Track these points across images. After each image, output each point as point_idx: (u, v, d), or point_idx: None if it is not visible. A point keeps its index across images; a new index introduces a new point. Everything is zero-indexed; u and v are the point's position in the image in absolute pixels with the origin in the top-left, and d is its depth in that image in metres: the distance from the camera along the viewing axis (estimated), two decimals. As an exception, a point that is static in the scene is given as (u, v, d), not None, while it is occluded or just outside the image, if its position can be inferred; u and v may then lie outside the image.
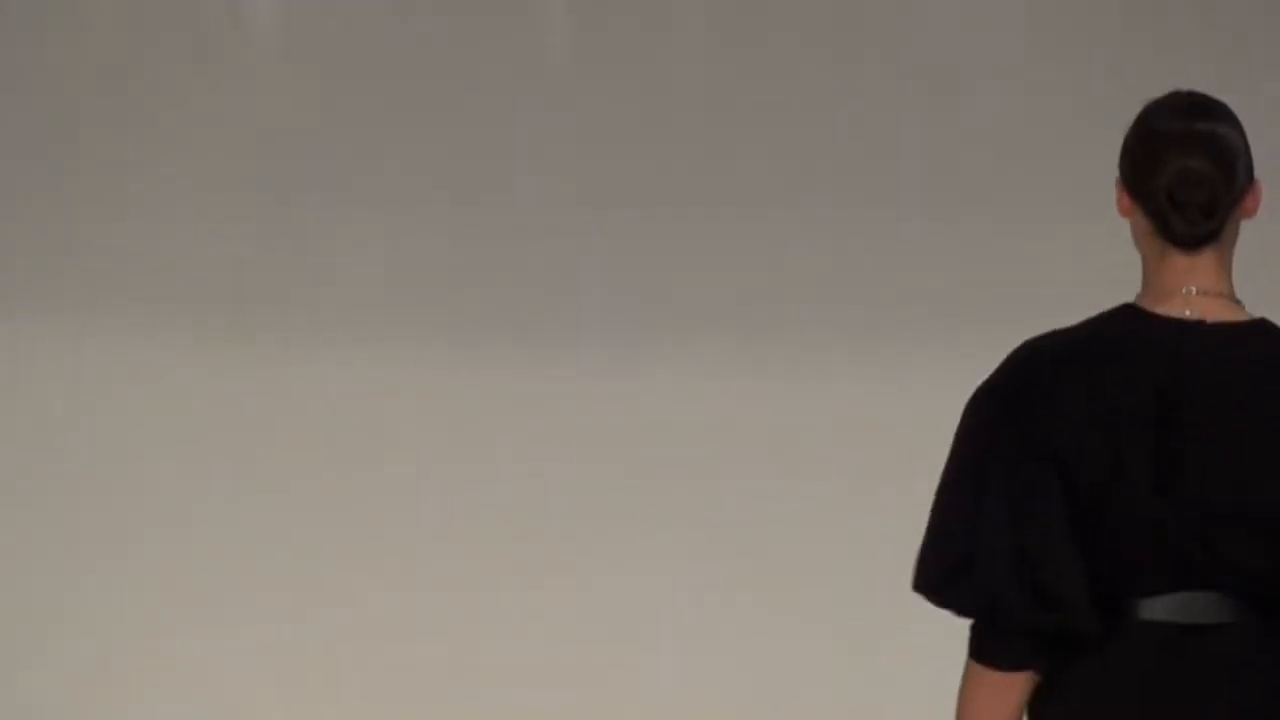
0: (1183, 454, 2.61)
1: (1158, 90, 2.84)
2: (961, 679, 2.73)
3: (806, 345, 6.80)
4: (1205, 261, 2.68)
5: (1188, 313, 2.66)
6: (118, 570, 7.87)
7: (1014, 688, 2.68)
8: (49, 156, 7.71)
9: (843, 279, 6.64)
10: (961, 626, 2.78)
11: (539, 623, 7.55)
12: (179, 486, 7.80)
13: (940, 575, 2.71)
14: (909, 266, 6.53)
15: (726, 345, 7.01)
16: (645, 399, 7.45)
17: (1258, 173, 2.81)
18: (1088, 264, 3.04)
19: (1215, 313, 2.67)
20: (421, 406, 8.34)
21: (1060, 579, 2.61)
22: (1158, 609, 2.61)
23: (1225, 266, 2.71)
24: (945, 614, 2.76)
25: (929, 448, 2.90)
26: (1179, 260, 2.68)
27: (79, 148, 7.65)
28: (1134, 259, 2.80)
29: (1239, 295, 2.77)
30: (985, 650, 2.68)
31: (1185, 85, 2.85)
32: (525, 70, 7.31)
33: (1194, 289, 2.68)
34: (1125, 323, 2.69)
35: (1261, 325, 2.69)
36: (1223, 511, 2.60)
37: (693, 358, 7.06)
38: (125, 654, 7.83)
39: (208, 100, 7.78)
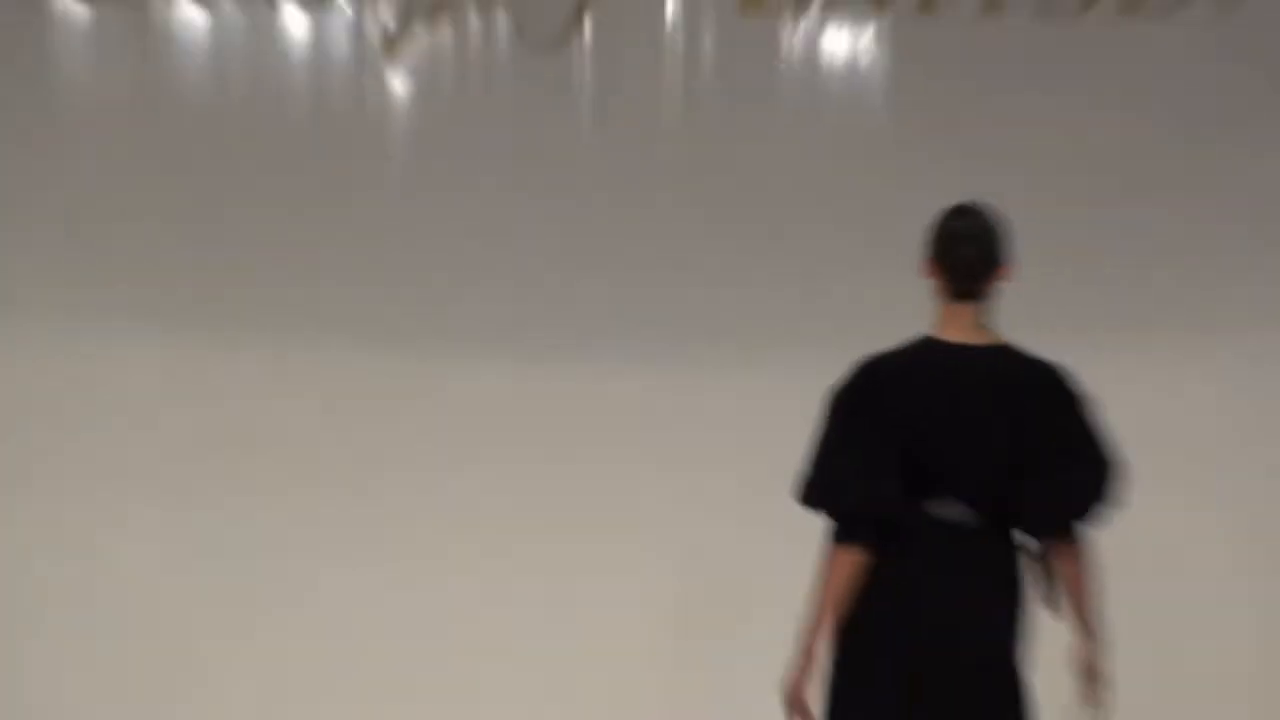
0: (957, 421, 4.60)
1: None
2: (822, 560, 4.66)
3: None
4: (971, 309, 4.65)
5: (962, 339, 4.65)
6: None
7: (855, 558, 4.59)
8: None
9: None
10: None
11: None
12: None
13: (816, 491, 4.65)
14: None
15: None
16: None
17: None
18: (902, 307, 4.97)
19: (977, 339, 4.66)
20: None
21: (888, 489, 4.58)
22: (938, 510, 4.60)
23: (986, 312, 4.66)
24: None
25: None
26: (957, 308, 4.66)
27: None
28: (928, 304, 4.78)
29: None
30: (841, 535, 4.62)
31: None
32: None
33: (966, 325, 4.66)
34: (926, 345, 4.69)
35: (1004, 346, 4.67)
36: (975, 457, 4.60)
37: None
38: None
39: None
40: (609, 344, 7.85)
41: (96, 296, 8.03)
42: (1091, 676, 4.75)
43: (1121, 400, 5.04)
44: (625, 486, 7.69)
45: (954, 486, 4.59)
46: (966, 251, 4.62)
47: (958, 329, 4.65)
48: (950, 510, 4.60)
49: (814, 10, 7.88)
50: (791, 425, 4.95)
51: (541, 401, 7.86)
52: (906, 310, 4.83)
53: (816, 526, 4.70)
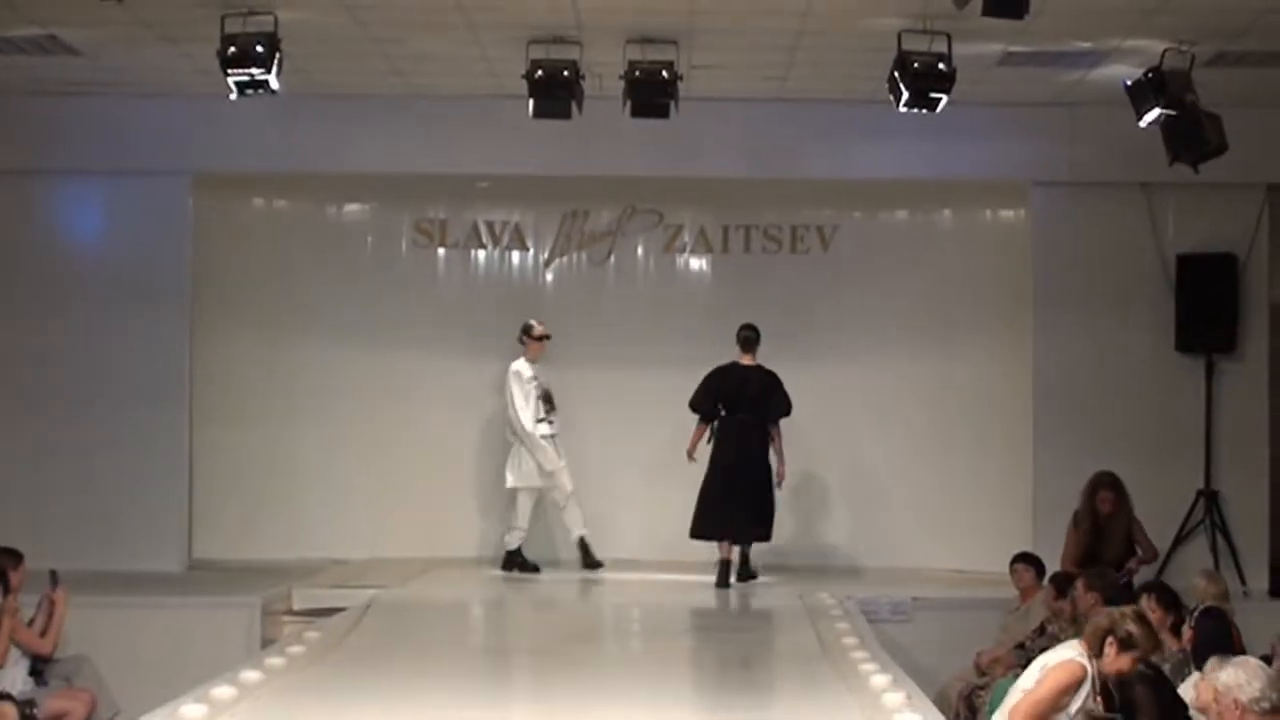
0: (744, 393, 15.85)
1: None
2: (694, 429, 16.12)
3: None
4: (749, 356, 15.96)
5: (743, 361, 15.85)
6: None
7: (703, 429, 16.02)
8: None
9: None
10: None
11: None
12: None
13: (698, 405, 16.07)
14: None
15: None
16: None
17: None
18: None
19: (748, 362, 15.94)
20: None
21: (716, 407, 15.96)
22: (737, 414, 15.96)
23: (754, 354, 16.08)
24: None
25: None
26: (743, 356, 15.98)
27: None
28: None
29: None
30: (700, 418, 16.07)
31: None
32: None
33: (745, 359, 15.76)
34: (731, 364, 15.93)
35: (761, 367, 16.07)
36: (751, 401, 15.85)
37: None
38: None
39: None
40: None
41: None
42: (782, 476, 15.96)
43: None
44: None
45: (743, 407, 15.88)
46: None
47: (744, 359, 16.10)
48: (744, 414, 15.90)
49: None
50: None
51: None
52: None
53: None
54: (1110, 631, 9.29)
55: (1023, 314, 16.58)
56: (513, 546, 16.54)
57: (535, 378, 16.51)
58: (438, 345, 17.41)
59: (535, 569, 16.45)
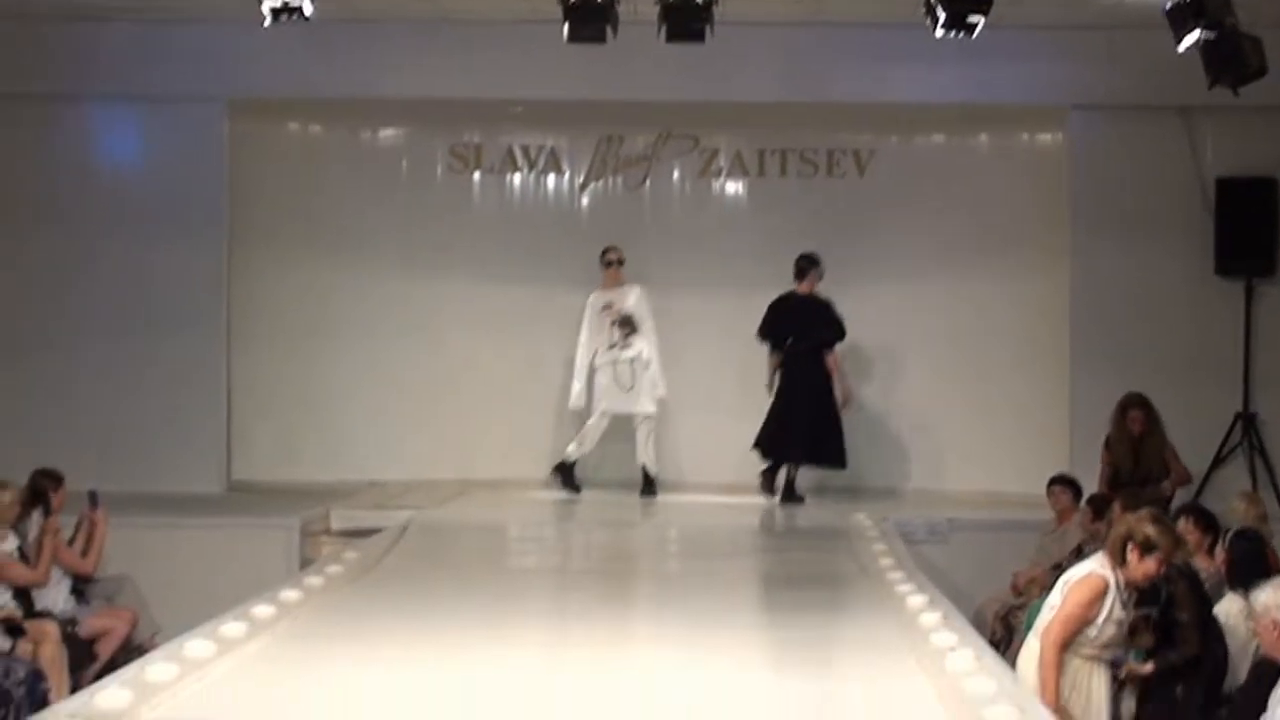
0: (797, 321, 16.22)
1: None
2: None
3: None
4: (803, 283, 16.44)
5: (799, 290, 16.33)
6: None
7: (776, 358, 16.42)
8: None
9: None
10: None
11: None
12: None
13: (764, 335, 16.38)
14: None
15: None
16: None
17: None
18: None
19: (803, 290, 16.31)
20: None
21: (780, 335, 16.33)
22: (796, 342, 16.17)
23: (809, 281, 16.47)
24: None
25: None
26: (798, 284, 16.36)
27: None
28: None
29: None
30: (770, 347, 16.47)
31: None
32: None
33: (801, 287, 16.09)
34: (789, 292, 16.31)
35: (813, 296, 16.41)
36: (804, 329, 16.13)
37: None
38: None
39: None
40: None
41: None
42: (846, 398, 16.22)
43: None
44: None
45: (798, 334, 16.22)
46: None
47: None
48: (798, 341, 16.15)
49: None
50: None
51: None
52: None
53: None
54: (1129, 538, 9.29)
55: (1060, 238, 16.54)
56: (569, 459, 16.59)
57: (609, 304, 16.50)
58: (473, 269, 17.42)
59: (576, 489, 16.49)
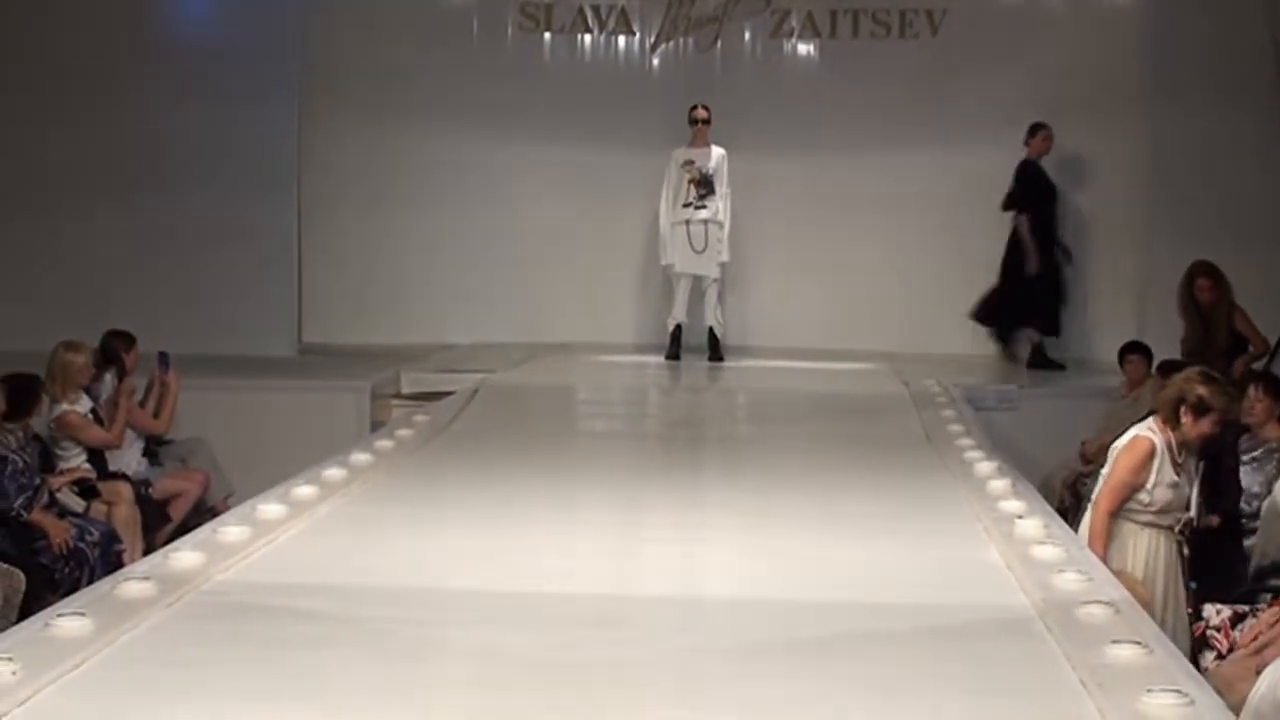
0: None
1: None
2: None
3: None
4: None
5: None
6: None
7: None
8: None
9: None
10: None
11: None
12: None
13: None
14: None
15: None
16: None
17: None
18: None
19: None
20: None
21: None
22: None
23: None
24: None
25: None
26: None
27: None
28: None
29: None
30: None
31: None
32: None
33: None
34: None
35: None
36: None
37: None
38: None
39: None
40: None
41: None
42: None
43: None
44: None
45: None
46: None
47: None
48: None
49: None
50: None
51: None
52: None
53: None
54: (1181, 400, 9.17)
55: (1134, 102, 16.37)
56: (670, 327, 16.64)
57: (691, 161, 16.39)
58: (543, 130, 17.38)
59: (676, 356, 16.50)
